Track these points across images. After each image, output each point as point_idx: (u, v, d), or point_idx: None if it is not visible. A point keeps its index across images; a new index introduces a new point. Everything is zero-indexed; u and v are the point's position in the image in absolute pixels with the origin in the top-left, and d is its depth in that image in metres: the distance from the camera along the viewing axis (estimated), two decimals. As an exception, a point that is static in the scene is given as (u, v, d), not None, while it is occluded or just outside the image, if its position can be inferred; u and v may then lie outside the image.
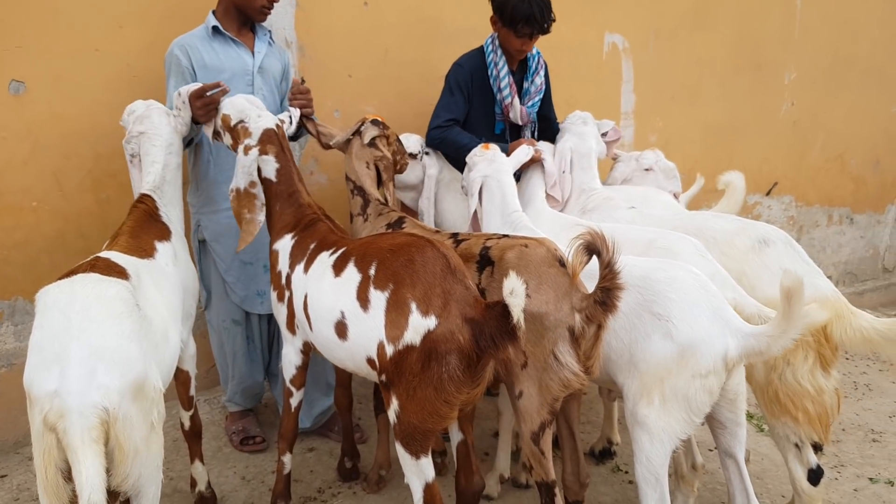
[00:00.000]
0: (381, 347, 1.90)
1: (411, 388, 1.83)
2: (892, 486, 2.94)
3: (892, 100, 5.40)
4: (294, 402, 2.46)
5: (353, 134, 2.69)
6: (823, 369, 2.27)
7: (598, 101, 4.18)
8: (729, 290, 2.15)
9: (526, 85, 3.29)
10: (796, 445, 2.29)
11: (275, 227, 2.46)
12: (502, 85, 3.20)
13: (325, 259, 2.20)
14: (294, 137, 3.01)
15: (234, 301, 2.95)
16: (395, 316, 1.87)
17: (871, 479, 2.99)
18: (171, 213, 2.41)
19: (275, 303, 2.42)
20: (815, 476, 2.29)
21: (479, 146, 2.91)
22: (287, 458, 2.46)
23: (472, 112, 3.26)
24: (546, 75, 3.38)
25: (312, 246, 2.32)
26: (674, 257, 2.24)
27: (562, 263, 1.97)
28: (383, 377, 1.92)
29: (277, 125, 2.52)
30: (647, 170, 3.38)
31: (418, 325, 1.82)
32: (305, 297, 2.21)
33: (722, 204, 3.35)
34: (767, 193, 4.99)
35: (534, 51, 3.28)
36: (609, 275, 1.80)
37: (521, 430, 1.99)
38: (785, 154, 5.01)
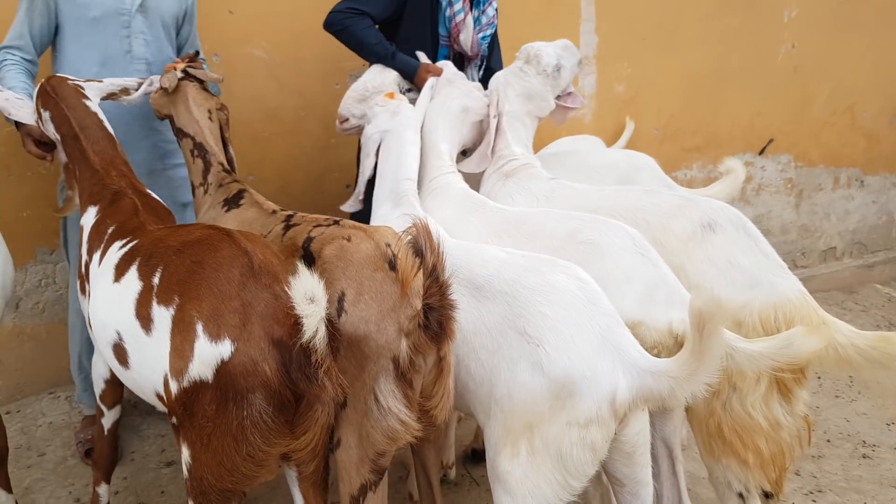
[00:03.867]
0: (166, 382, 1.41)
1: (205, 436, 1.35)
2: (878, 521, 2.39)
3: (914, 42, 4.64)
4: (106, 423, 1.99)
5: (183, 78, 2.12)
6: (783, 396, 1.69)
7: (552, 44, 3.52)
8: (677, 308, 1.58)
9: (475, 13, 2.64)
10: (740, 496, 1.73)
11: (81, 196, 1.97)
12: None
13: (114, 254, 1.68)
14: None
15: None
16: (180, 342, 1.37)
17: (853, 510, 2.44)
18: None
19: (79, 294, 1.94)
20: None
21: (384, 94, 2.30)
22: (102, 490, 2.03)
23: (407, 26, 2.60)
24: (496, 14, 2.72)
25: (111, 230, 1.80)
26: (600, 256, 1.66)
27: (392, 266, 1.40)
28: (173, 419, 1.43)
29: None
30: None
31: (207, 355, 1.32)
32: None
33: (714, 188, 2.70)
34: (761, 152, 4.32)
35: None
36: (434, 288, 1.24)
37: (340, 489, 1.45)
38: (783, 106, 4.30)
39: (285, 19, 2.93)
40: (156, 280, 1.46)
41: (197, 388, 1.32)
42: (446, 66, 2.49)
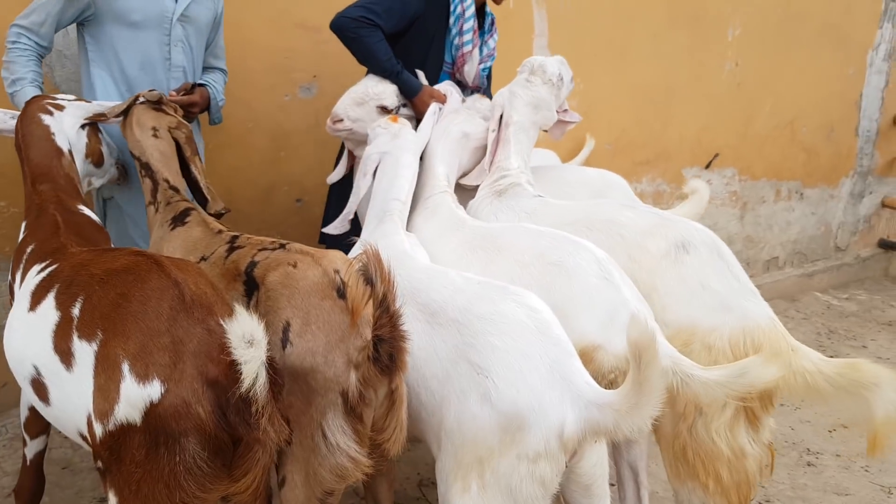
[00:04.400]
0: (89, 423, 1.31)
1: (133, 483, 1.25)
2: (823, 530, 2.44)
3: (848, 60, 4.84)
4: (30, 453, 1.88)
5: (132, 103, 2.07)
6: (751, 424, 1.67)
7: (505, 59, 3.50)
8: None
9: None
10: None
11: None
12: (465, 27, 2.53)
13: (31, 279, 1.57)
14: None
15: None
16: (105, 381, 1.27)
17: (799, 520, 2.49)
18: None
19: None
20: None
21: (387, 117, 2.32)
22: None
23: (408, 45, 2.56)
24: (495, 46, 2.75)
25: (30, 249, 1.70)
26: (566, 277, 1.66)
27: (341, 294, 1.35)
28: (98, 463, 1.32)
29: None
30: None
31: (134, 397, 1.22)
32: None
33: (683, 209, 2.74)
34: (707, 166, 4.42)
35: (486, 7, 2.67)
36: (385, 319, 1.20)
37: (285, 532, 1.39)
38: (727, 121, 4.42)
39: (231, 29, 2.84)
40: (76, 311, 1.36)
41: (124, 432, 1.23)
42: (449, 91, 2.49)
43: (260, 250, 1.53)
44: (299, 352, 1.31)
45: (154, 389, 1.21)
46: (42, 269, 1.55)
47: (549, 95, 2.40)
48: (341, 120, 2.41)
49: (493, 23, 2.71)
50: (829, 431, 3.12)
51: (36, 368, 1.42)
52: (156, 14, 2.27)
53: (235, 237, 1.68)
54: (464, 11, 2.53)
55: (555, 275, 1.68)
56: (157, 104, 2.07)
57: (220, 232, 1.76)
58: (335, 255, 1.44)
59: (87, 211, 1.89)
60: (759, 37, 4.35)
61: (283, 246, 1.53)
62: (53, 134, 1.98)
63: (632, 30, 3.88)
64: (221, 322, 1.25)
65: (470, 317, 1.42)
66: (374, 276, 1.19)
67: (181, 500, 1.23)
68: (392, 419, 1.33)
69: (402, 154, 2.12)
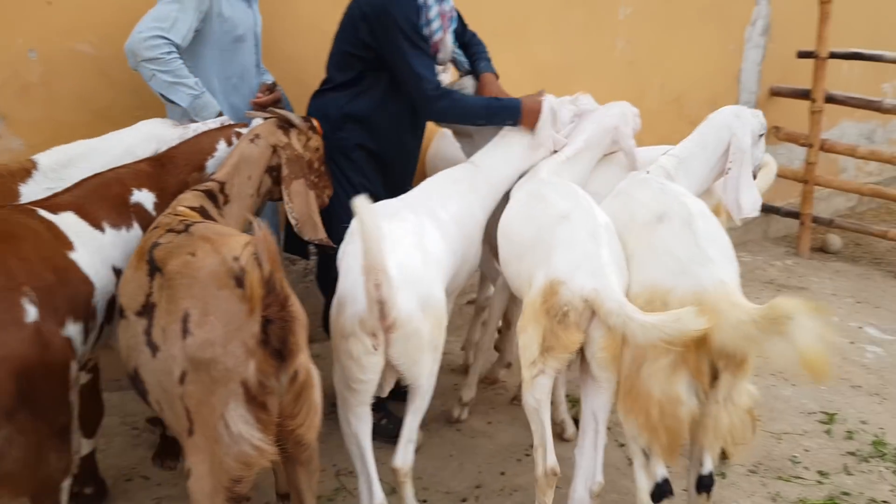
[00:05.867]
0: None
1: None
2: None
3: (729, 37, 5.13)
4: None
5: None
6: (698, 379, 1.84)
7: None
8: (595, 280, 1.95)
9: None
10: (644, 452, 1.95)
11: None
12: (431, 15, 2.44)
13: None
14: None
15: None
16: None
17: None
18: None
19: None
20: (659, 492, 1.95)
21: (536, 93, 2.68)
22: None
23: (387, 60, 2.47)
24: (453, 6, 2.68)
25: None
26: (566, 228, 2.11)
27: (239, 282, 1.35)
28: None
29: None
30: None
31: None
32: None
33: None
34: (604, 141, 4.60)
35: None
36: (272, 298, 1.21)
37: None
38: (622, 96, 4.54)
39: (112, 12, 2.69)
40: None
41: None
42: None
43: (168, 231, 1.53)
44: (199, 342, 1.31)
45: None
46: None
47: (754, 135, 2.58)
48: None
49: None
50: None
51: None
52: (250, 25, 2.46)
53: (166, 215, 1.68)
54: (425, 1, 2.45)
55: (561, 224, 2.14)
56: (285, 124, 2.10)
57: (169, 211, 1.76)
58: (237, 241, 1.43)
59: (140, 195, 1.96)
60: (648, 16, 4.54)
61: (187, 228, 1.51)
62: (212, 157, 2.15)
63: (530, 9, 3.97)
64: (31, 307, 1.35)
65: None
66: (262, 258, 1.20)
67: None
68: (302, 404, 1.34)
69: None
